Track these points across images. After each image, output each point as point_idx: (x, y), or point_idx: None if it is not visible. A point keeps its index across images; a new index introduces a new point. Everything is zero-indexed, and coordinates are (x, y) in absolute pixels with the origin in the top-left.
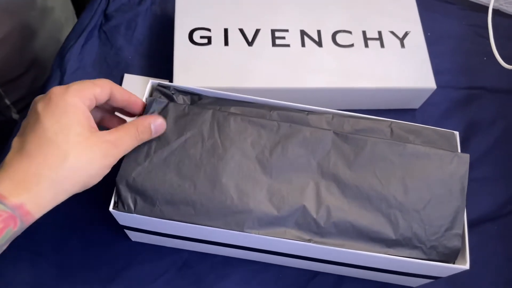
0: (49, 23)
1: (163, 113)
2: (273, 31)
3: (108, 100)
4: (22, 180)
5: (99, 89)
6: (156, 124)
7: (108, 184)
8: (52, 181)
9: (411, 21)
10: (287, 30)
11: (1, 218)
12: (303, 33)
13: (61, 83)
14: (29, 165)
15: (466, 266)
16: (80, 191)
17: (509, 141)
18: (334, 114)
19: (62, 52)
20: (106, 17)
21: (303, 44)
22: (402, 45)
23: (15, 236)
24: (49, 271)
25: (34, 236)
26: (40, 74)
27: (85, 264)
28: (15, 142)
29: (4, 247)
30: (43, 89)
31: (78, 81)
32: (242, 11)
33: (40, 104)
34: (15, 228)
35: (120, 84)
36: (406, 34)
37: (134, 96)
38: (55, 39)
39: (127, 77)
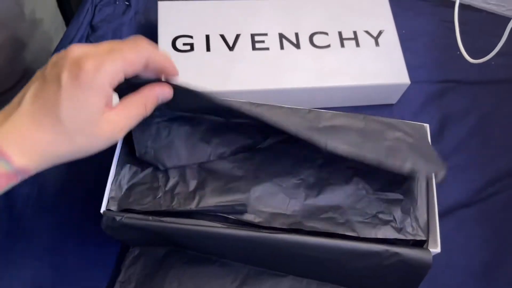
0: (39, 35)
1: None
2: (252, 36)
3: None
4: (29, 149)
5: (131, 69)
6: (164, 94)
7: (103, 186)
8: (57, 156)
9: (384, 20)
10: (266, 34)
11: (6, 176)
12: (281, 36)
13: None
14: (37, 135)
15: (438, 249)
16: (84, 155)
17: (483, 131)
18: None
19: None
20: (92, 28)
21: (281, 47)
22: (377, 44)
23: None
24: (45, 273)
25: (30, 239)
26: None
27: (81, 265)
28: (28, 99)
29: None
30: None
31: (117, 51)
32: (223, 17)
33: (66, 73)
34: (15, 183)
35: None
36: (380, 33)
37: (169, 65)
38: (46, 50)
39: None
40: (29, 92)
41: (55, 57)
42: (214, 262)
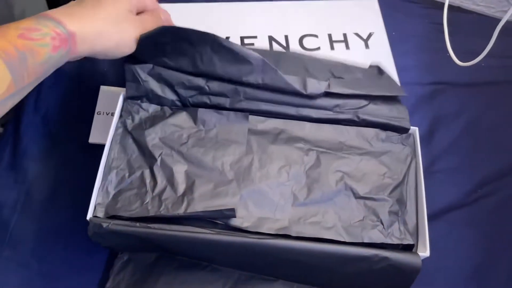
0: None
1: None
2: (242, 38)
3: None
4: (78, 20)
5: None
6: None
7: (91, 192)
8: (98, 32)
9: (374, 22)
10: (255, 37)
11: (60, 36)
12: (271, 38)
13: (38, 97)
14: (81, 11)
15: (427, 253)
16: (112, 51)
17: (473, 133)
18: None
19: None
20: None
21: (271, 49)
22: (367, 46)
23: (58, 64)
24: (34, 281)
25: (18, 247)
26: None
27: (69, 272)
28: None
29: (52, 70)
30: (21, 103)
31: None
32: (212, 19)
33: None
34: (64, 50)
35: (97, 96)
36: (370, 35)
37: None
38: None
39: (104, 89)
40: None
41: None
42: (204, 267)
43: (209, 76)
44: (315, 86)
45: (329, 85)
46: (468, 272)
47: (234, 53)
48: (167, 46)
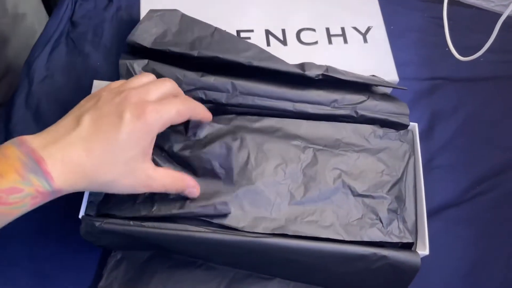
0: (21, 30)
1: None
2: (238, 32)
3: None
4: (72, 171)
5: (180, 119)
6: (192, 188)
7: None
8: (90, 183)
9: (373, 16)
10: (252, 31)
11: (42, 195)
12: (268, 32)
13: (29, 92)
14: (84, 160)
15: (426, 252)
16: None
17: (471, 129)
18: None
19: (29, 62)
20: (73, 24)
21: (268, 44)
22: (365, 40)
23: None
24: (25, 280)
25: (8, 245)
26: (15, 83)
27: (61, 270)
28: (86, 122)
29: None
30: (12, 99)
31: (171, 101)
32: (207, 13)
33: (129, 112)
34: (43, 202)
35: (90, 91)
36: (368, 29)
37: (207, 116)
38: (29, 46)
39: (96, 84)
40: (87, 119)
41: (109, 94)
42: (199, 266)
43: (206, 60)
44: (313, 68)
45: (327, 69)
46: (465, 269)
47: (233, 39)
48: (168, 29)
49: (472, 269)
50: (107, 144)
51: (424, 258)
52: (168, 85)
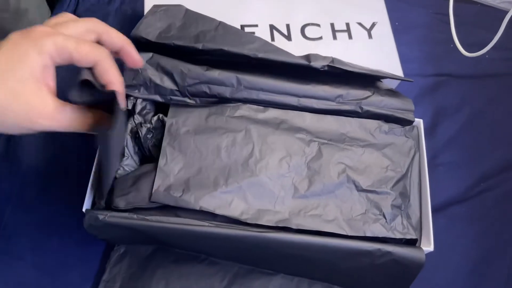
0: (23, 25)
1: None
2: (242, 27)
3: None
4: None
5: (79, 51)
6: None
7: (87, 182)
8: None
9: (378, 12)
10: (256, 25)
11: None
12: (272, 27)
13: None
14: None
15: (431, 248)
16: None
17: (475, 126)
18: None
19: None
20: None
21: (272, 39)
22: (370, 36)
23: None
24: (28, 272)
25: (12, 238)
26: None
27: (64, 264)
28: None
29: None
30: None
31: (69, 26)
32: (211, 7)
33: (17, 32)
34: None
35: None
36: (373, 24)
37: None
38: None
39: None
40: None
41: None
42: (202, 260)
43: (210, 54)
44: (318, 59)
45: (332, 60)
46: (469, 267)
47: (238, 32)
48: (172, 24)
49: (477, 265)
50: None
51: (428, 254)
52: (83, 24)
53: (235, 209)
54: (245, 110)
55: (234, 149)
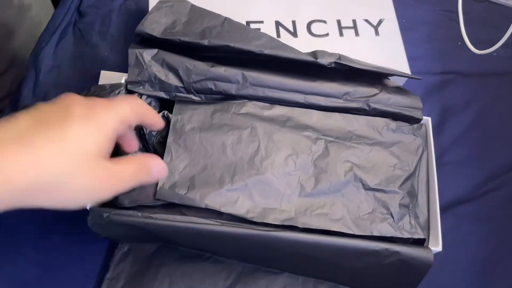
0: (27, 21)
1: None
2: (248, 23)
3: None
4: (13, 170)
5: (134, 116)
6: (158, 168)
7: None
8: (33, 188)
9: (385, 9)
10: (262, 22)
11: None
12: (278, 24)
13: (36, 82)
14: (28, 158)
15: (439, 248)
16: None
17: (483, 124)
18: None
19: (36, 52)
20: (80, 14)
21: (278, 35)
22: (377, 33)
23: None
24: (31, 270)
25: (15, 236)
26: (20, 74)
27: (68, 261)
28: (27, 115)
29: None
30: (19, 89)
31: (121, 101)
32: (216, 4)
33: (79, 108)
34: None
35: (97, 81)
36: (380, 21)
37: (152, 115)
38: (34, 37)
39: (104, 74)
40: (27, 115)
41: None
42: (207, 259)
43: (216, 51)
44: (325, 55)
45: (340, 57)
46: (477, 266)
47: (244, 28)
48: (178, 19)
49: (485, 265)
50: (56, 131)
51: (435, 254)
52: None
53: (241, 207)
54: (250, 107)
55: (239, 146)
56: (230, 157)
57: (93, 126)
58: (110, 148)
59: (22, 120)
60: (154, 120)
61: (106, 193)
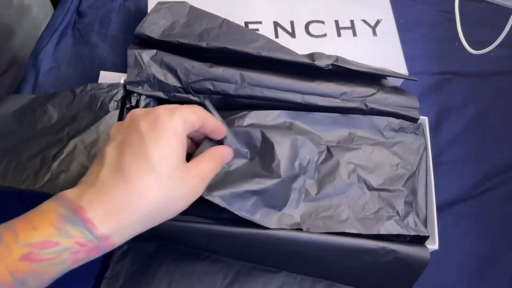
0: (27, 22)
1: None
2: (246, 24)
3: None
4: (116, 209)
5: (196, 117)
6: (228, 154)
7: None
8: (144, 214)
9: (382, 9)
10: (260, 22)
11: (85, 248)
12: (276, 24)
13: (35, 83)
14: (127, 192)
15: (435, 246)
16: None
17: (480, 124)
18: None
19: (36, 52)
20: (79, 14)
21: (276, 36)
22: (374, 33)
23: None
24: None
25: None
26: (20, 74)
27: None
28: (110, 154)
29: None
30: (19, 90)
31: (180, 106)
32: (215, 4)
33: (144, 123)
34: (94, 257)
35: (97, 81)
36: (378, 22)
37: (221, 126)
38: (34, 38)
39: (103, 74)
40: (108, 152)
41: (117, 124)
42: (206, 258)
43: (214, 52)
44: (322, 57)
45: (337, 59)
46: (473, 265)
47: (242, 30)
48: (176, 21)
49: (481, 263)
50: (143, 161)
51: (432, 253)
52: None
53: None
54: (252, 118)
55: None
56: None
57: (163, 136)
58: (185, 150)
59: (108, 157)
60: (214, 124)
61: (199, 193)
